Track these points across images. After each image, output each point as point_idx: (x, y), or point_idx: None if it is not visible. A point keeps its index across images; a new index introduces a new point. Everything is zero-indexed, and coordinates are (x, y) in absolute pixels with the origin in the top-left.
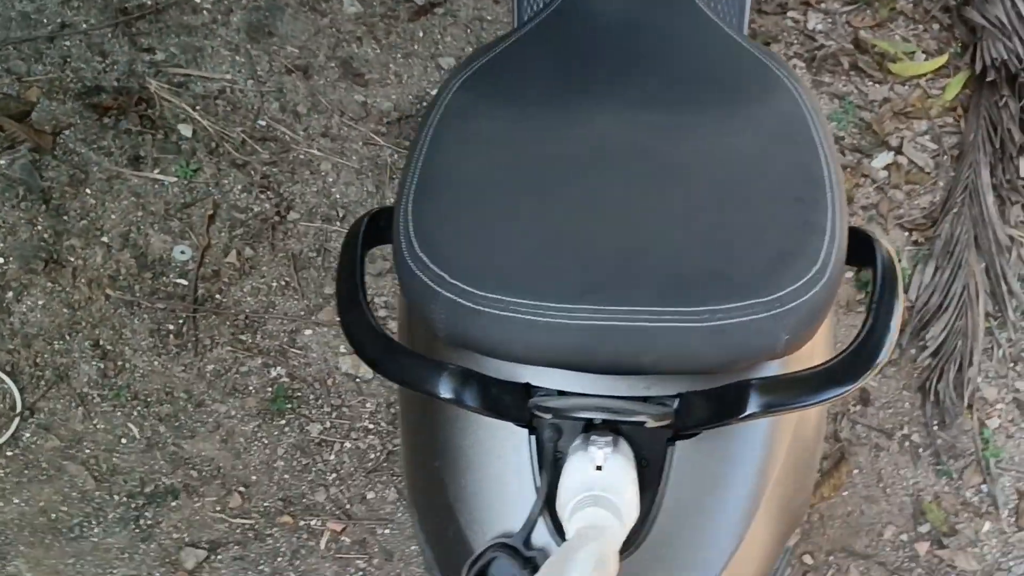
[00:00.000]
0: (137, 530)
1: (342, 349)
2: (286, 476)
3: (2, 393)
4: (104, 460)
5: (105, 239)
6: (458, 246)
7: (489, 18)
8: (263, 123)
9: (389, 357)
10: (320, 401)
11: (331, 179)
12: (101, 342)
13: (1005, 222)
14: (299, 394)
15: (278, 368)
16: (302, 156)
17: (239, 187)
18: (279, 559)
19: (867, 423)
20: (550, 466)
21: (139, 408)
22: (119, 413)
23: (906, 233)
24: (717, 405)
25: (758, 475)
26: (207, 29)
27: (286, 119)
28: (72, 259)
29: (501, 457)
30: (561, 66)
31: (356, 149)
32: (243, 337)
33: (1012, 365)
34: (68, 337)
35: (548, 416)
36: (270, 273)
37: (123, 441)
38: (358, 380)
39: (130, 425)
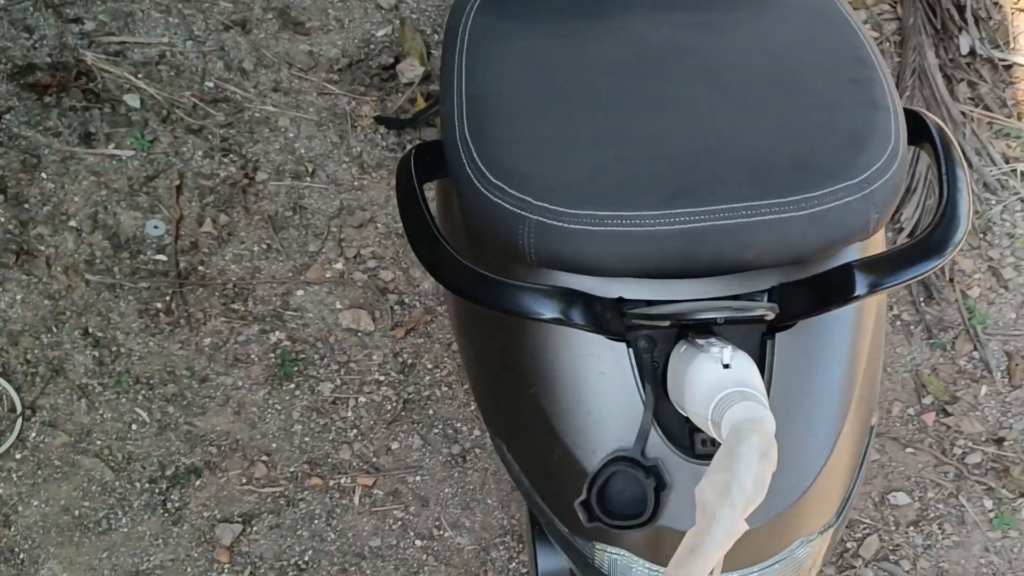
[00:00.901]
0: (166, 514)
1: (338, 305)
2: (306, 439)
3: None
4: (118, 449)
5: (73, 223)
6: (534, 167)
7: None
8: (211, 84)
9: (490, 288)
10: (326, 360)
11: (292, 134)
12: (90, 330)
13: (955, 99)
14: (303, 356)
15: (277, 333)
16: (257, 114)
17: (200, 153)
18: (315, 521)
19: None
20: (651, 376)
21: (143, 392)
22: (124, 399)
23: None
24: (822, 291)
25: (852, 359)
26: None
27: (234, 78)
28: (43, 248)
29: (603, 373)
30: None
31: (312, 101)
32: (235, 306)
33: (982, 236)
34: (55, 329)
35: (664, 324)
36: (249, 238)
37: (133, 427)
38: (360, 334)
39: (137, 410)
